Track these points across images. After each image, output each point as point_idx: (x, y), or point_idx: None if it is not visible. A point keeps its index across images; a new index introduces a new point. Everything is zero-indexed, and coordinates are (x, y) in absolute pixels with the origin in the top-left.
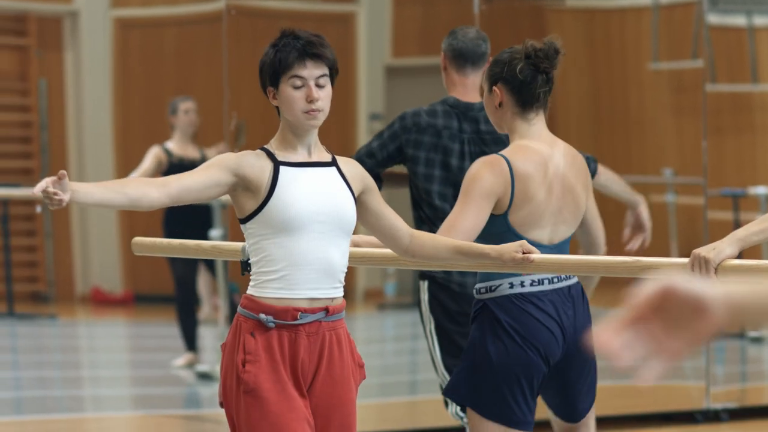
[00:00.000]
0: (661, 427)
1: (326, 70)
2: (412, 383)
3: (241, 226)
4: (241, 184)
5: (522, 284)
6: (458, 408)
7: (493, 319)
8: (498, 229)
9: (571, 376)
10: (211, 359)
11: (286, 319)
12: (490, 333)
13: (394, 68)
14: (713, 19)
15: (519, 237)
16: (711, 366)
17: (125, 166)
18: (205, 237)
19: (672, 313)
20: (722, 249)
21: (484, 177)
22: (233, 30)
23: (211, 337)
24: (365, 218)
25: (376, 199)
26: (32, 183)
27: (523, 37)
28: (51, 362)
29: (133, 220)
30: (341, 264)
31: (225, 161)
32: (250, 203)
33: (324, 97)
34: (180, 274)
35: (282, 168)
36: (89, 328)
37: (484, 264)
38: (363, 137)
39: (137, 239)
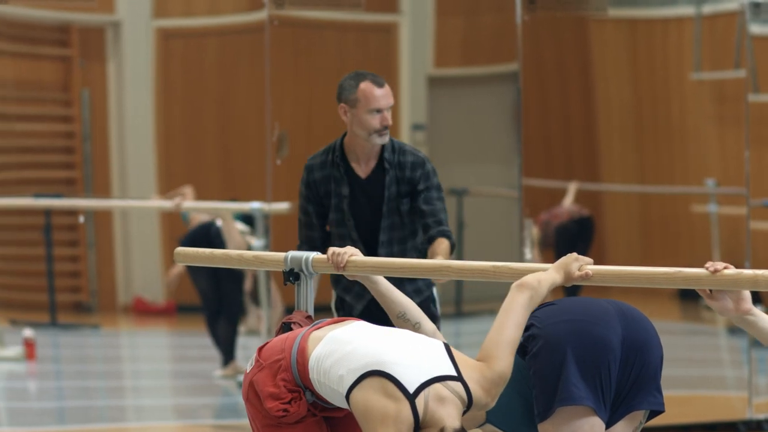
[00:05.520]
0: None
1: None
2: None
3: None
4: None
5: None
6: None
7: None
8: None
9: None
10: None
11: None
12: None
13: (436, 78)
14: (756, 29)
15: None
16: (753, 376)
17: (167, 175)
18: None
19: None
20: None
21: None
22: (276, 40)
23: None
24: None
25: None
26: (75, 193)
27: (566, 47)
28: (94, 372)
29: (175, 231)
30: None
31: None
32: None
33: None
34: (203, 288)
35: None
36: (131, 338)
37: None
38: None
39: (180, 249)
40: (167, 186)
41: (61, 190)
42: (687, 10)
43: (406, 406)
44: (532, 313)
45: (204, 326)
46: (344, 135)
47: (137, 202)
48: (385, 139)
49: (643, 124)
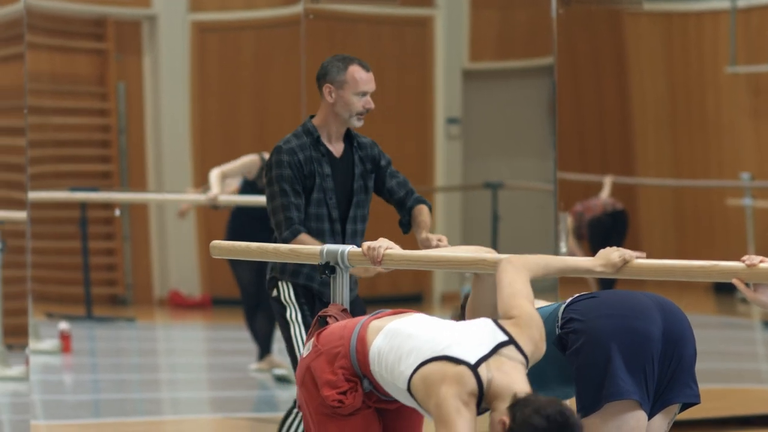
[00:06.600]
0: (740, 430)
1: None
2: None
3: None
4: None
5: None
6: None
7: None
8: None
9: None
10: (288, 362)
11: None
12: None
13: (471, 72)
14: None
15: None
16: None
17: (203, 169)
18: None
19: None
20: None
21: None
22: (311, 34)
23: None
24: None
25: None
26: (110, 187)
27: (601, 41)
28: (129, 365)
29: (211, 224)
30: None
31: None
32: None
33: None
34: (244, 281)
35: None
36: (167, 332)
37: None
38: (441, 141)
39: (216, 242)
40: (203, 179)
41: (97, 183)
42: (722, 4)
43: (467, 370)
44: (570, 306)
45: (239, 319)
46: (310, 118)
47: (173, 196)
48: (362, 123)
49: (678, 118)
